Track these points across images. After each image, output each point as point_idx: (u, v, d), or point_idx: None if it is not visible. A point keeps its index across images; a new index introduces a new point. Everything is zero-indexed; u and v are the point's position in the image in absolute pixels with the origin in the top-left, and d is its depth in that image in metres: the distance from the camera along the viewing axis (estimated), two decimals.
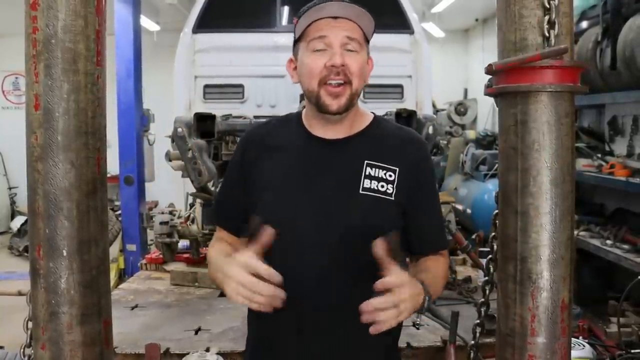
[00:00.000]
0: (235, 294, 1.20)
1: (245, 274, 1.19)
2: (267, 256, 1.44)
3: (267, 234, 1.25)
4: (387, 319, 1.17)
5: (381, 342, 1.43)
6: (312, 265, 1.38)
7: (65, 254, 1.35)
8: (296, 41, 1.46)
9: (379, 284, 1.19)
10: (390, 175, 1.43)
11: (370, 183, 1.41)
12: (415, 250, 1.52)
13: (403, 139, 1.50)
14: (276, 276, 1.19)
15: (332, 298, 1.38)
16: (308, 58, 1.40)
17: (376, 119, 1.54)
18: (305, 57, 1.42)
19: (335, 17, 1.38)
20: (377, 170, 1.43)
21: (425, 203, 1.49)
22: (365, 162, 1.43)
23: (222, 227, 1.57)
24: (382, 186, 1.42)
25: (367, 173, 1.42)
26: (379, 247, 1.23)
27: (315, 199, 1.41)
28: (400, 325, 1.49)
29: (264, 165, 1.47)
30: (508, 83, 1.42)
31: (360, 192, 1.41)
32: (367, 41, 1.45)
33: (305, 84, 1.42)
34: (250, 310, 1.47)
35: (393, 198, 1.42)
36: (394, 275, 1.20)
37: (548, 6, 1.36)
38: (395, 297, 1.18)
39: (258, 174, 1.48)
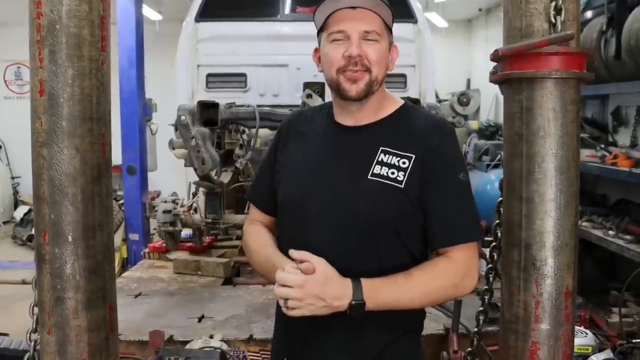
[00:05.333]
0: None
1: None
2: (281, 232, 1.55)
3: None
4: (289, 297, 1.29)
5: (376, 334, 1.43)
6: (317, 245, 1.40)
7: (70, 239, 1.35)
8: (319, 31, 1.49)
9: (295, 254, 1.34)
10: (404, 163, 1.40)
11: (381, 169, 1.40)
12: (429, 244, 1.45)
13: (428, 125, 1.46)
14: None
15: None
16: (328, 48, 1.44)
17: (404, 107, 1.53)
18: (325, 47, 1.46)
19: (354, 7, 1.40)
20: (390, 157, 1.41)
21: (436, 193, 1.40)
22: (380, 148, 1.43)
23: (255, 205, 1.66)
24: (393, 173, 1.40)
25: (379, 159, 1.42)
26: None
27: (325, 183, 1.44)
28: (398, 323, 1.45)
29: (289, 149, 1.56)
30: (514, 69, 1.42)
31: (369, 177, 1.40)
32: (389, 28, 1.46)
33: (326, 72, 1.47)
34: None
35: (402, 186, 1.39)
36: (312, 263, 1.31)
37: None
38: (299, 279, 1.29)
39: (284, 156, 1.56)
